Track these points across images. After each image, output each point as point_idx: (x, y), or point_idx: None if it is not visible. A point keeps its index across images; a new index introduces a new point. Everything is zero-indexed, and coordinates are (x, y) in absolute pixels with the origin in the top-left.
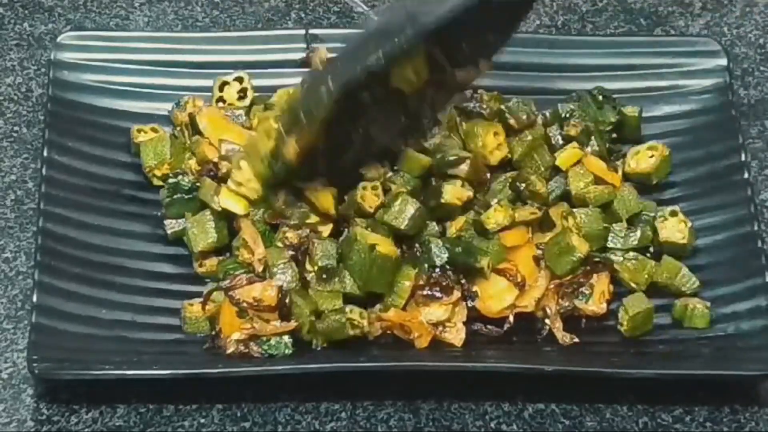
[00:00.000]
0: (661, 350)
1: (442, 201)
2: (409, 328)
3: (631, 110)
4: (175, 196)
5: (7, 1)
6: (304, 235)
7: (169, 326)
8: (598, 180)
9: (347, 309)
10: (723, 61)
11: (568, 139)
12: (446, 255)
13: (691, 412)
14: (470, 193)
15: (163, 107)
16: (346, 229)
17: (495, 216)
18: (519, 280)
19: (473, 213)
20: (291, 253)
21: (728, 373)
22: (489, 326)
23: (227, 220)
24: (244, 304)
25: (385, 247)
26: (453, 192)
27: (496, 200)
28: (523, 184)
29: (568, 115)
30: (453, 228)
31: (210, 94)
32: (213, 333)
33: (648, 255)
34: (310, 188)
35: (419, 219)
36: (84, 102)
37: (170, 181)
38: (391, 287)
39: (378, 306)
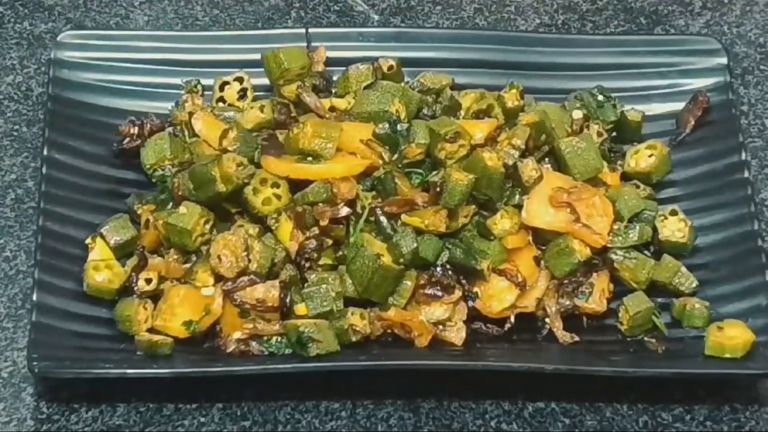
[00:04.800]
0: (661, 349)
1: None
2: (409, 327)
3: (634, 115)
4: (166, 191)
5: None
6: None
7: None
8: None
9: (349, 312)
10: (723, 60)
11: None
12: (446, 255)
13: (691, 410)
14: (475, 206)
15: (163, 106)
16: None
17: (502, 222)
18: (520, 280)
19: (477, 216)
20: (287, 255)
21: (728, 372)
22: (489, 325)
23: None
24: (247, 306)
25: (390, 258)
26: (462, 213)
27: (503, 206)
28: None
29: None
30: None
31: (210, 93)
32: (213, 331)
33: (648, 254)
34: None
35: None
36: (84, 101)
37: (156, 174)
38: (388, 297)
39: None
